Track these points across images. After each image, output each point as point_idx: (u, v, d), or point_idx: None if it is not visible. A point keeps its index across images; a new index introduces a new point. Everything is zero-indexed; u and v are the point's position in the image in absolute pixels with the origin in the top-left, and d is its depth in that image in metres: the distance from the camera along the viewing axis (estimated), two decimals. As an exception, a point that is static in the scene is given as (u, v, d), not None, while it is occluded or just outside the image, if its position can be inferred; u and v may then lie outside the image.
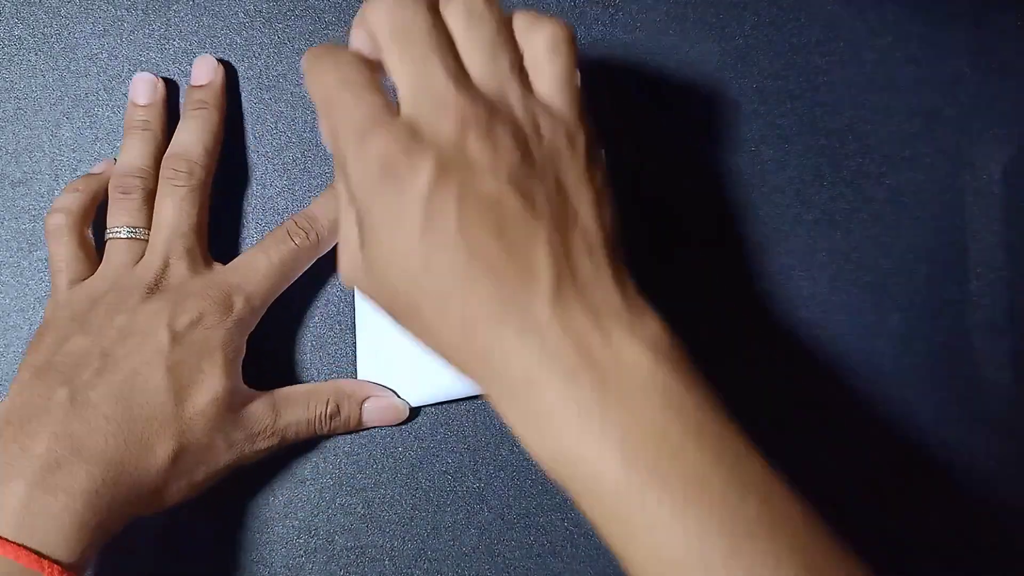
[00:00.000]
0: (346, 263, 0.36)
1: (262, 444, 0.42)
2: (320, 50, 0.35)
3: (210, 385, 0.40)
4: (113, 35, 0.47)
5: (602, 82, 0.47)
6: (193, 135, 0.44)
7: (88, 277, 0.43)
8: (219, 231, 0.46)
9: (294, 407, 0.43)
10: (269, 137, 0.47)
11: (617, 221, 0.35)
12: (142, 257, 0.43)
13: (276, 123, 0.47)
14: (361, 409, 0.44)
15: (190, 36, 0.47)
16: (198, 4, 0.47)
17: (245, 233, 0.46)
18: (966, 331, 0.47)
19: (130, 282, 0.42)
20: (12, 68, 0.46)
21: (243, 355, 0.43)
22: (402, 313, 0.34)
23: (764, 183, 0.47)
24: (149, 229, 0.43)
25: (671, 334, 0.32)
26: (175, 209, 0.43)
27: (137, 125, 0.45)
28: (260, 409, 0.42)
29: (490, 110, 0.33)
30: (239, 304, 0.42)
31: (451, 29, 0.34)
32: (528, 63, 0.35)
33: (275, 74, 0.47)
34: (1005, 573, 0.46)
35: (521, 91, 0.34)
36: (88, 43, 0.47)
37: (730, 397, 0.47)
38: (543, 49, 0.35)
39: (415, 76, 0.33)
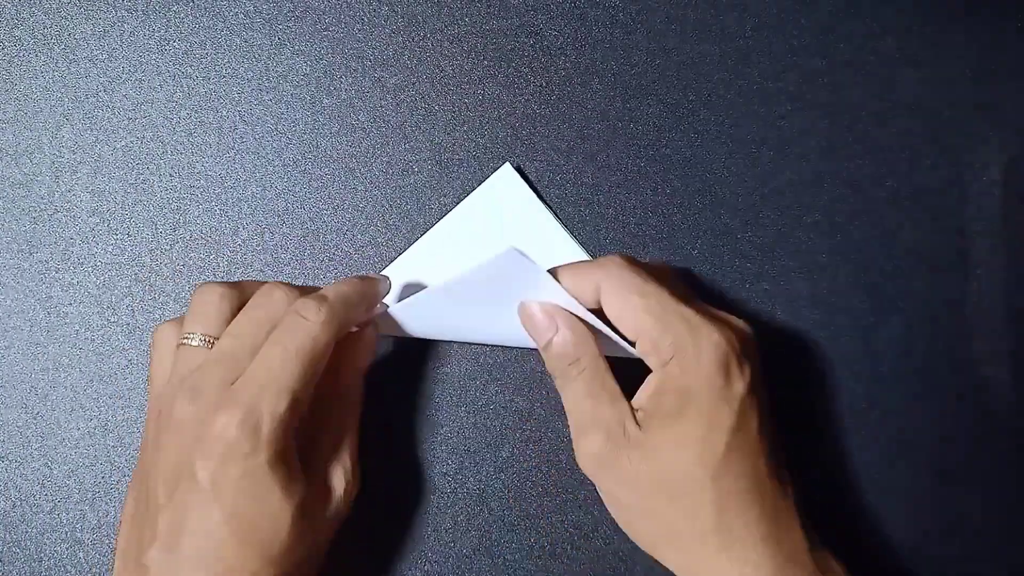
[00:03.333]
0: (597, 443, 0.39)
1: (353, 493, 0.40)
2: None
3: (276, 517, 0.37)
4: (113, 36, 0.47)
5: (602, 83, 0.47)
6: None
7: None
8: (218, 231, 0.46)
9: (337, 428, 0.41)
10: (269, 138, 0.47)
11: None
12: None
13: (276, 124, 0.47)
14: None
15: (190, 37, 0.47)
16: (198, 5, 0.47)
17: (245, 235, 0.46)
18: (966, 332, 0.47)
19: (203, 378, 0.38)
20: (12, 69, 0.46)
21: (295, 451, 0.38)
22: (651, 493, 0.38)
23: (764, 184, 0.47)
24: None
25: None
26: (250, 323, 0.39)
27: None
28: (334, 478, 0.40)
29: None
30: (283, 405, 0.37)
31: None
32: None
33: (275, 75, 0.47)
34: (1006, 571, 0.46)
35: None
36: (88, 44, 0.47)
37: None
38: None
39: (656, 310, 0.38)
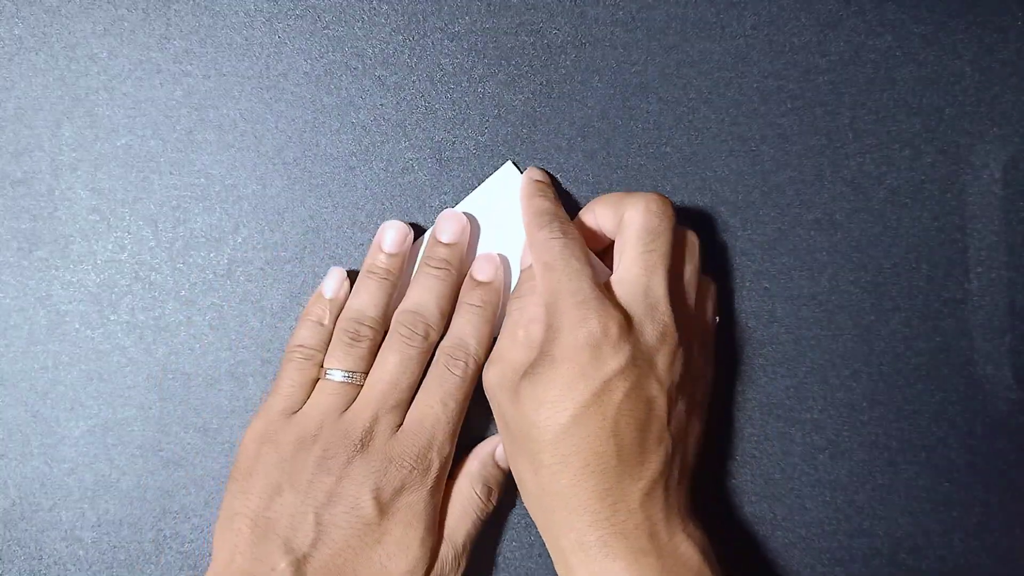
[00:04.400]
0: (496, 375, 0.42)
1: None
2: (545, 216, 0.43)
3: (411, 557, 0.41)
4: (114, 34, 0.47)
5: (602, 81, 0.47)
6: (432, 296, 0.44)
7: (300, 408, 0.43)
8: (218, 232, 0.46)
9: (462, 522, 0.43)
10: (269, 137, 0.47)
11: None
12: (351, 403, 0.43)
13: (276, 123, 0.47)
14: (496, 461, 0.45)
15: (190, 36, 0.47)
16: (198, 3, 0.47)
17: (245, 233, 0.46)
18: (966, 331, 0.47)
19: (337, 434, 0.42)
20: (12, 67, 0.46)
21: (439, 509, 0.43)
22: (519, 437, 0.40)
23: (764, 183, 0.47)
24: (364, 374, 0.43)
25: (710, 545, 0.40)
26: (400, 367, 0.43)
27: (379, 272, 0.44)
28: (445, 553, 0.43)
29: (683, 333, 0.41)
30: (436, 462, 0.42)
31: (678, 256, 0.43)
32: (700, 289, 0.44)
33: (275, 74, 0.47)
34: (1006, 570, 0.46)
35: (698, 319, 0.43)
36: (88, 42, 0.47)
37: (731, 397, 0.47)
38: (712, 295, 0.45)
39: (642, 276, 0.41)
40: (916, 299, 0.47)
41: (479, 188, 0.46)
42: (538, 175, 0.45)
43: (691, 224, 0.47)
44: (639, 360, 0.39)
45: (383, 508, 0.41)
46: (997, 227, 0.47)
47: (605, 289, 0.41)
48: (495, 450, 0.44)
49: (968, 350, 0.47)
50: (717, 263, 0.47)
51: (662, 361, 0.40)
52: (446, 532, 0.43)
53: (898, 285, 0.47)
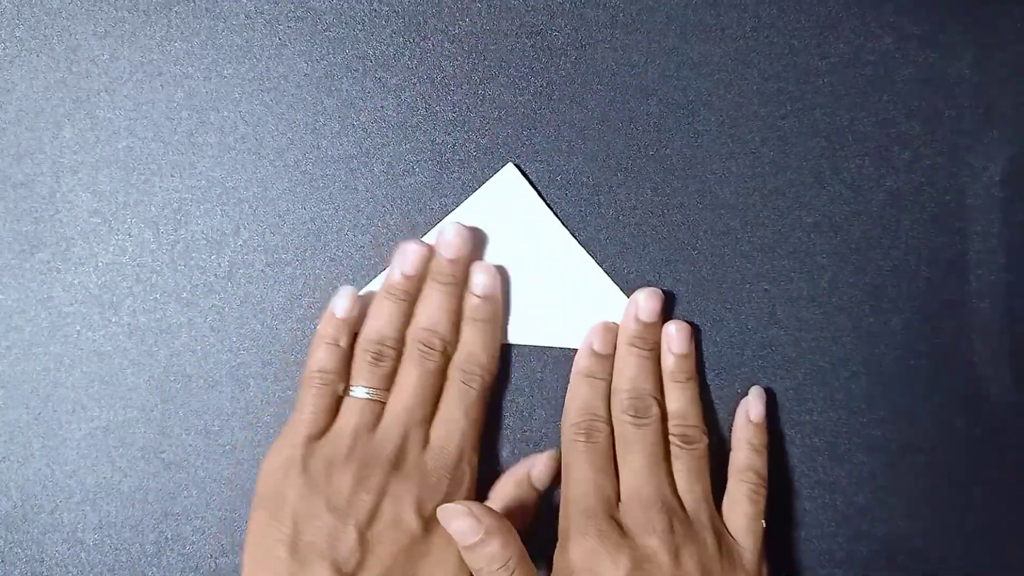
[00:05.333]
0: None
1: None
2: (585, 414, 0.44)
3: (454, 567, 0.42)
4: (115, 37, 0.47)
5: (602, 84, 0.47)
6: (444, 313, 0.44)
7: (324, 431, 0.43)
8: (219, 234, 0.46)
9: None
10: (270, 139, 0.47)
11: None
12: (378, 421, 0.43)
13: (277, 125, 0.47)
14: (532, 482, 0.45)
15: (191, 37, 0.47)
16: (199, 6, 0.47)
17: (246, 235, 0.46)
18: (966, 331, 0.47)
19: (371, 453, 0.42)
20: (13, 69, 0.47)
21: None
22: None
23: (764, 185, 0.47)
24: (387, 392, 0.44)
25: None
26: (422, 383, 0.43)
27: (397, 294, 0.44)
28: None
29: (687, 534, 0.41)
30: (467, 472, 0.43)
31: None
32: (728, 494, 0.45)
33: (276, 75, 0.47)
34: (1006, 571, 0.46)
35: (711, 518, 0.43)
36: (89, 44, 0.47)
37: (731, 397, 0.47)
38: (744, 493, 0.44)
39: (641, 483, 0.42)
40: (915, 301, 0.47)
41: (480, 190, 0.46)
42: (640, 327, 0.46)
43: (691, 225, 0.47)
44: (642, 560, 0.40)
45: (427, 522, 0.41)
46: (996, 229, 0.47)
47: (607, 501, 0.42)
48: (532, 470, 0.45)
49: (967, 352, 0.47)
50: (717, 265, 0.47)
51: (663, 559, 0.40)
52: None
53: (897, 287, 0.47)
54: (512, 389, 0.46)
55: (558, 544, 0.42)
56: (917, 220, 0.47)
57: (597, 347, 0.45)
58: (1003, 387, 0.47)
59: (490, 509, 0.39)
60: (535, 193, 0.46)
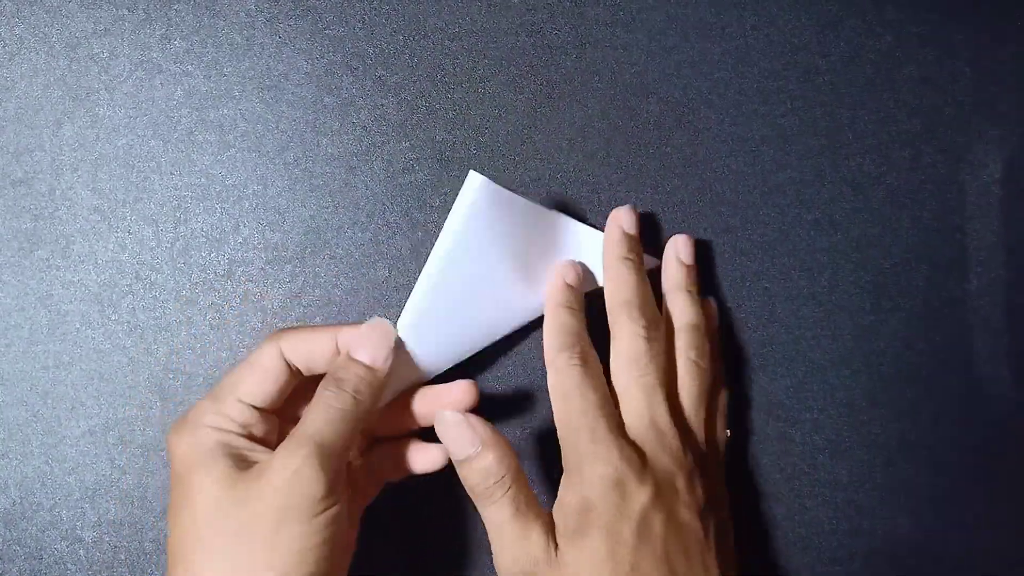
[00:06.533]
0: (517, 561, 0.39)
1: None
2: (568, 337, 0.42)
3: None
4: (114, 34, 0.47)
5: (603, 82, 0.47)
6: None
7: None
8: (219, 232, 0.46)
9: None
10: (270, 137, 0.47)
11: None
12: None
13: (277, 123, 0.47)
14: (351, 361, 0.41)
15: (191, 36, 0.47)
16: (199, 3, 0.47)
17: (246, 233, 0.46)
18: (965, 331, 0.47)
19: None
20: (13, 67, 0.47)
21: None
22: None
23: (764, 183, 0.47)
24: None
25: None
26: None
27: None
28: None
29: (696, 458, 0.41)
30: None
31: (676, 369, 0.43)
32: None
33: (276, 74, 0.47)
34: (1007, 570, 0.46)
35: (708, 438, 0.43)
36: (89, 42, 0.47)
37: (731, 395, 0.47)
38: (721, 408, 0.45)
39: (645, 407, 0.41)
40: (915, 299, 0.47)
41: (454, 209, 0.42)
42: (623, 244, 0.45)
43: (691, 224, 0.47)
44: (664, 489, 0.39)
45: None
46: (996, 227, 0.47)
47: (618, 426, 0.40)
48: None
49: (967, 350, 0.47)
50: (717, 263, 0.47)
51: (683, 485, 0.40)
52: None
53: (897, 285, 0.47)
54: (512, 388, 0.46)
55: (564, 477, 0.40)
56: (917, 218, 0.47)
57: (570, 280, 0.44)
58: (1003, 386, 0.47)
59: (486, 422, 0.38)
60: (508, 191, 0.43)
